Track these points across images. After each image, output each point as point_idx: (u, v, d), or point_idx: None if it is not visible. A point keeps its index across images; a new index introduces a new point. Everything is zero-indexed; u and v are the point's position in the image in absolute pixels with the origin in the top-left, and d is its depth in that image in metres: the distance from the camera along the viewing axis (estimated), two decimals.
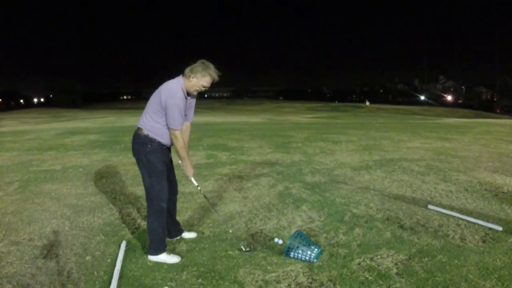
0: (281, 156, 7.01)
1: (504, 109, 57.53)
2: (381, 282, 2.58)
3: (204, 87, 2.94)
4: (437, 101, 73.71)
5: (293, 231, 3.42)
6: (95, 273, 2.80)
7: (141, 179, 3.05)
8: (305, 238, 2.99)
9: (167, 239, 3.16)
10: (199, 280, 2.67)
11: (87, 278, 2.72)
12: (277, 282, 2.62)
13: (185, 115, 3.03)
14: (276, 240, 3.28)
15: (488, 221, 3.60)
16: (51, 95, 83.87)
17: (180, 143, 2.95)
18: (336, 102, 71.10)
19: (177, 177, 3.31)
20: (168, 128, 2.92)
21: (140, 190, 4.74)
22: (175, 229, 3.34)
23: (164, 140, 2.97)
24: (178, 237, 3.36)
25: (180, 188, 3.42)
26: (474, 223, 3.56)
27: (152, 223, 2.98)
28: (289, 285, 2.59)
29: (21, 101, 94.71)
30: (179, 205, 3.48)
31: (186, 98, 2.96)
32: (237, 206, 4.20)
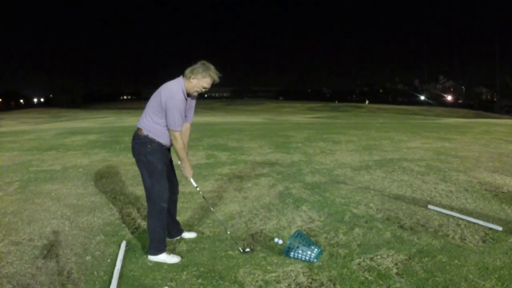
0: (281, 156, 7.01)
1: (504, 109, 57.49)
2: (381, 282, 2.58)
3: (204, 88, 2.93)
4: (437, 101, 73.66)
5: (293, 231, 3.42)
6: (95, 273, 2.80)
7: (141, 179, 3.05)
8: (305, 238, 2.99)
9: (167, 239, 3.16)
10: (199, 280, 2.67)
11: (87, 278, 2.72)
12: (277, 282, 2.62)
13: (185, 116, 3.02)
14: (276, 240, 3.28)
15: (488, 221, 3.60)
16: (51, 95, 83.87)
17: (180, 144, 2.95)
18: (336, 102, 71.07)
19: (177, 177, 3.31)
20: (168, 129, 2.92)
21: (140, 190, 4.74)
22: (175, 229, 3.34)
23: (164, 140, 2.97)
24: (178, 237, 3.36)
25: (180, 188, 3.42)
26: (474, 223, 3.57)
27: (152, 223, 2.98)
28: (289, 285, 2.59)
29: (21, 101, 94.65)
30: (179, 205, 3.48)
31: (186, 99, 2.95)
32: (237, 206, 4.20)
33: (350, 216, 3.81)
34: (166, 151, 3.06)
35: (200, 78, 2.89)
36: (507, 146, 8.12)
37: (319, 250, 2.97)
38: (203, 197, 3.39)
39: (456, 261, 2.85)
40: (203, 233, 3.49)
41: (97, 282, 2.67)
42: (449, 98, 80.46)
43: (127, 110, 46.85)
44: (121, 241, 3.29)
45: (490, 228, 3.44)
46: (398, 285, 2.55)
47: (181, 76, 2.94)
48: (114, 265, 2.87)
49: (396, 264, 2.82)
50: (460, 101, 75.71)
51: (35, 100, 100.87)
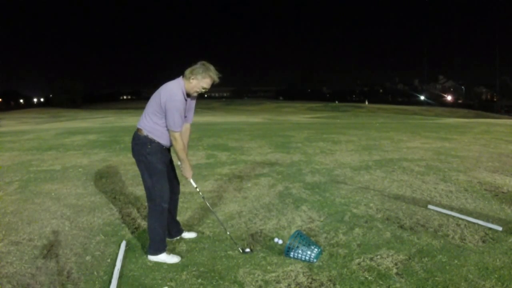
0: (281, 156, 7.01)
1: (504, 109, 57.50)
2: (381, 282, 2.58)
3: (204, 88, 2.93)
4: (437, 101, 73.67)
5: (293, 231, 3.42)
6: (95, 273, 2.80)
7: (141, 179, 3.05)
8: (305, 238, 2.99)
9: (167, 239, 3.16)
10: (199, 280, 2.67)
11: (87, 278, 2.72)
12: (277, 282, 2.62)
13: (185, 117, 3.02)
14: (276, 240, 3.28)
15: (488, 221, 3.60)
16: (51, 95, 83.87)
17: (180, 145, 2.94)
18: (336, 102, 71.03)
19: (177, 177, 3.30)
20: (168, 130, 2.92)
21: (140, 190, 4.74)
22: (175, 229, 3.34)
23: (164, 141, 2.97)
24: (178, 237, 3.36)
25: (180, 188, 3.42)
26: (474, 223, 3.57)
27: (153, 223, 2.98)
28: (289, 285, 2.59)
29: (21, 101, 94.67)
30: (179, 205, 3.48)
31: (186, 100, 2.95)
32: (237, 206, 4.20)
33: (350, 216, 3.81)
34: (166, 151, 3.06)
35: (200, 79, 2.88)
36: (507, 146, 8.13)
37: (319, 250, 2.97)
38: (203, 197, 3.38)
39: (456, 261, 2.85)
40: (203, 233, 3.49)
41: (97, 282, 2.67)
42: (449, 98, 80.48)
43: (127, 110, 46.82)
44: (121, 241, 3.29)
45: (490, 228, 3.44)
46: (398, 285, 2.55)
47: (181, 77, 2.93)
48: (114, 265, 2.87)
49: (396, 264, 2.82)
50: (460, 101, 75.74)
51: (35, 100, 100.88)
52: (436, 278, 2.61)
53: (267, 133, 11.21)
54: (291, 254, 2.93)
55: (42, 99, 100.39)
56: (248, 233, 3.47)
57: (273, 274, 2.72)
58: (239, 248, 3.10)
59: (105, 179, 5.48)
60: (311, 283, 2.60)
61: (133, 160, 3.06)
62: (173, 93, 2.84)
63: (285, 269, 2.79)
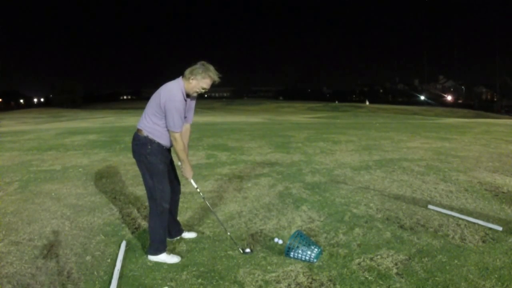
0: (281, 156, 7.01)
1: (504, 109, 57.47)
2: (381, 282, 2.58)
3: (204, 89, 2.92)
4: (437, 101, 73.64)
5: (293, 231, 3.42)
6: (95, 273, 2.80)
7: (141, 179, 3.05)
8: (305, 238, 2.99)
9: (167, 239, 3.16)
10: (199, 280, 2.67)
11: (87, 278, 2.72)
12: (277, 282, 2.62)
13: (185, 117, 3.02)
14: (276, 240, 3.28)
15: (488, 221, 3.60)
16: (51, 95, 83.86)
17: (180, 146, 2.94)
18: (336, 102, 71.05)
19: (178, 177, 3.30)
20: (168, 130, 2.92)
21: (140, 190, 4.75)
22: (176, 229, 3.34)
23: (164, 141, 2.96)
24: (178, 237, 3.36)
25: (181, 188, 3.42)
26: (474, 223, 3.57)
27: (154, 223, 2.98)
28: (289, 285, 2.59)
29: (21, 101, 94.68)
30: (179, 205, 3.48)
31: (186, 100, 2.95)
32: (237, 206, 4.20)
33: (350, 216, 3.81)
34: (166, 151, 3.06)
35: (200, 79, 2.88)
36: (507, 146, 8.13)
37: (319, 250, 2.97)
38: (203, 198, 3.38)
39: (456, 261, 2.85)
40: (203, 233, 3.49)
41: (97, 282, 2.67)
42: (449, 98, 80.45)
43: (127, 110, 46.81)
44: (121, 241, 3.29)
45: (490, 228, 3.44)
46: (398, 285, 2.55)
47: (181, 77, 2.93)
48: (114, 265, 2.87)
49: (396, 264, 2.82)
50: (460, 101, 75.71)
51: (35, 100, 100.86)
52: (436, 278, 2.61)
53: (267, 133, 11.21)
54: (291, 254, 2.93)
55: (42, 99, 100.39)
56: (248, 233, 3.47)
57: (273, 274, 2.72)
58: (240, 249, 3.10)
59: (105, 179, 5.48)
60: (311, 283, 2.60)
61: (133, 160, 3.05)
62: (172, 93, 2.84)
63: (285, 269, 2.79)
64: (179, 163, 3.07)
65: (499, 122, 17.79)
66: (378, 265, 2.81)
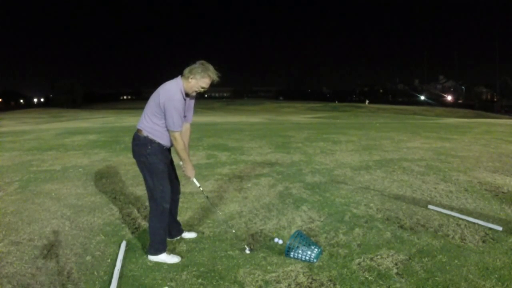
0: (281, 156, 7.01)
1: (504, 109, 57.45)
2: (381, 282, 2.58)
3: (203, 88, 2.92)
4: (437, 101, 73.61)
5: (293, 231, 3.42)
6: (95, 273, 2.80)
7: (141, 179, 3.05)
8: (305, 238, 2.99)
9: (168, 239, 3.16)
10: (199, 280, 2.67)
11: (87, 278, 2.72)
12: (277, 282, 2.62)
13: (184, 116, 3.02)
14: (276, 240, 3.28)
15: (488, 221, 3.60)
16: (51, 95, 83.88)
17: (180, 145, 2.94)
18: (336, 102, 71.05)
19: (178, 177, 3.30)
20: (168, 130, 2.92)
21: (140, 190, 4.74)
22: (176, 229, 3.34)
23: (164, 141, 2.96)
24: (178, 237, 3.36)
25: (180, 188, 3.42)
26: (474, 223, 3.57)
27: (154, 223, 2.98)
28: (289, 285, 2.59)
29: (21, 101, 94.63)
30: (179, 205, 3.48)
31: (185, 100, 2.94)
32: (237, 206, 4.20)
33: (350, 216, 3.81)
34: (166, 151, 3.06)
35: (199, 78, 2.88)
36: (507, 146, 8.13)
37: (319, 250, 2.96)
38: (207, 197, 3.39)
39: (456, 261, 2.85)
40: (203, 233, 3.49)
41: (97, 282, 2.67)
42: (449, 98, 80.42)
43: (127, 110, 46.79)
44: (121, 241, 3.29)
45: (490, 228, 3.44)
46: (398, 285, 2.55)
47: (180, 76, 2.93)
48: (114, 265, 2.87)
49: (396, 264, 2.82)
50: (460, 101, 75.66)
51: (35, 100, 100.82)
52: (436, 278, 2.61)
53: (267, 133, 11.22)
54: (291, 254, 2.93)
55: (42, 99, 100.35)
56: (248, 233, 3.47)
57: (273, 274, 2.72)
58: (245, 246, 3.10)
59: (105, 179, 5.48)
60: (311, 283, 2.60)
61: (133, 160, 3.05)
62: (171, 93, 2.84)
63: (285, 269, 2.79)
64: (180, 163, 3.07)
65: (499, 122, 17.80)
66: (378, 265, 2.81)
